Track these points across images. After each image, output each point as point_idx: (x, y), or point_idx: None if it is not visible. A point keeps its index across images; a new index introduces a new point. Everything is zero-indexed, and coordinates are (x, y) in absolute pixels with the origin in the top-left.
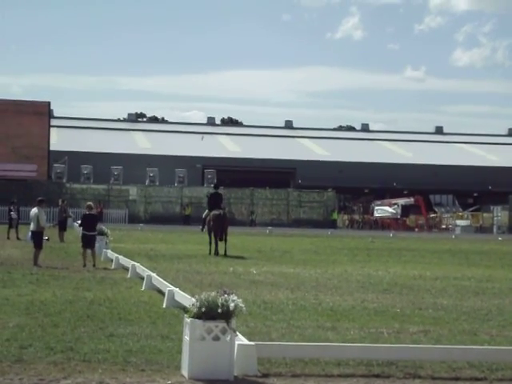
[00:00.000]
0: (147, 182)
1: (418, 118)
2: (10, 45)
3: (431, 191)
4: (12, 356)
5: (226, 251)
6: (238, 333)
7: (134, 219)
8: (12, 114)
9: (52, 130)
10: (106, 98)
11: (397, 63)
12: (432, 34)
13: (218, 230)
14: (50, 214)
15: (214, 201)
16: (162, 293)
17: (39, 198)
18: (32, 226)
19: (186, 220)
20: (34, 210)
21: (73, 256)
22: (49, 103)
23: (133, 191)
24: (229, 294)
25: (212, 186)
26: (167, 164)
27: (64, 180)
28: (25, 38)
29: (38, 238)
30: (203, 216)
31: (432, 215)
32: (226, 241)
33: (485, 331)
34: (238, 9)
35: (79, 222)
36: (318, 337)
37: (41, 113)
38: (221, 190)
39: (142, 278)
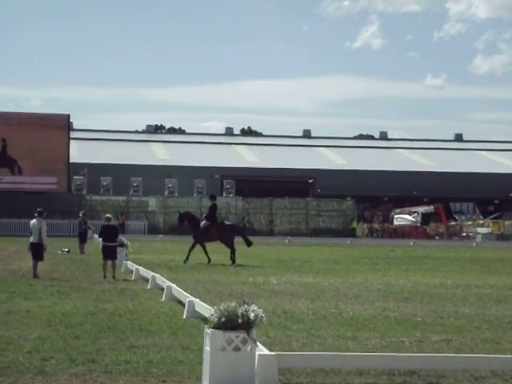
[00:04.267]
0: (166, 192)
1: (437, 126)
2: (30, 57)
3: (451, 199)
4: (34, 368)
5: (234, 260)
6: (258, 343)
7: (153, 230)
8: (32, 127)
9: (72, 142)
10: (124, 109)
11: (416, 71)
12: (452, 42)
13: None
14: (69, 225)
15: (213, 212)
16: (182, 303)
17: (39, 210)
18: (32, 238)
19: None
20: (35, 222)
21: (93, 267)
22: (68, 116)
23: (152, 202)
24: (249, 305)
25: (208, 197)
26: (186, 175)
27: (84, 192)
28: (45, 51)
29: (37, 249)
30: (202, 226)
31: (452, 223)
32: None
33: (508, 340)
34: (256, 19)
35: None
36: (338, 346)
37: (61, 126)
38: (216, 201)
39: (162, 289)
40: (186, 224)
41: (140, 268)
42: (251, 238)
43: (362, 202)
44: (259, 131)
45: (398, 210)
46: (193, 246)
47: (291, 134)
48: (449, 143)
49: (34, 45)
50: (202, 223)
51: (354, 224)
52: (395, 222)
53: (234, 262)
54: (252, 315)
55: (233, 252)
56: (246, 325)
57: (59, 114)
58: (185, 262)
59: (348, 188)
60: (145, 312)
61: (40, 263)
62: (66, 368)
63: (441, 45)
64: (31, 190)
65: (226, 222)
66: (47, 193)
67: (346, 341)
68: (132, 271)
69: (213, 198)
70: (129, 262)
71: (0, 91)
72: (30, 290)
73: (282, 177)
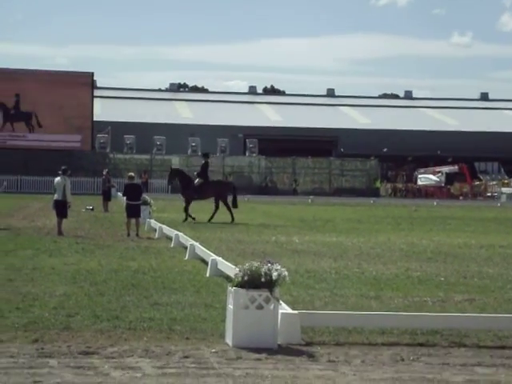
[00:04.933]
0: (189, 151)
1: (462, 85)
2: (53, 16)
3: (476, 159)
4: (60, 324)
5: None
6: (281, 302)
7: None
8: (56, 85)
9: (95, 100)
10: (148, 68)
11: (443, 29)
12: None
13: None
14: (93, 184)
15: (205, 170)
16: (205, 262)
17: (63, 167)
18: (56, 195)
19: None
20: (59, 180)
21: (117, 226)
22: (92, 74)
23: (175, 161)
24: (272, 264)
25: (201, 155)
26: (209, 134)
27: (107, 150)
28: (67, 9)
29: (61, 207)
30: (196, 184)
31: (477, 183)
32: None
33: None
34: None
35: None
36: (361, 305)
37: (85, 83)
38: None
39: (186, 248)
40: (176, 181)
41: (163, 226)
42: (274, 198)
43: (385, 162)
44: (282, 90)
45: (421, 170)
46: (187, 204)
47: (315, 93)
48: (474, 102)
49: (59, 3)
50: (196, 181)
51: (378, 183)
52: (419, 182)
53: (233, 219)
54: (275, 274)
55: (229, 209)
56: (269, 283)
57: (83, 72)
58: (184, 221)
59: (372, 147)
60: (168, 270)
61: (64, 221)
62: (91, 324)
63: (468, 2)
64: (56, 147)
65: (219, 180)
66: (71, 150)
67: (369, 300)
68: (155, 229)
69: (205, 155)
70: (152, 221)
71: (26, 49)
72: (54, 247)
73: (306, 136)
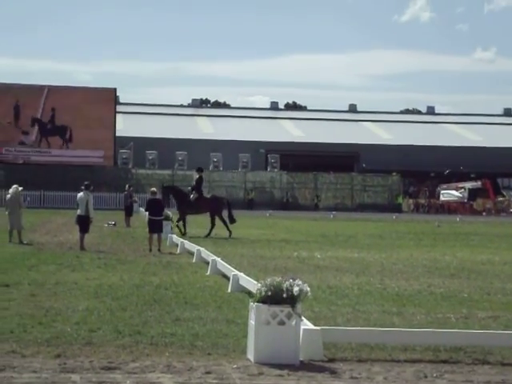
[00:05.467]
0: (211, 167)
1: (485, 100)
2: (78, 32)
3: (499, 174)
4: (82, 339)
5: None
6: (303, 317)
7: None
8: (80, 101)
9: (118, 116)
10: (170, 83)
11: (466, 44)
12: (503, 14)
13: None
14: (115, 199)
15: (199, 185)
16: (226, 277)
17: (86, 183)
18: (79, 211)
19: (249, 204)
20: (81, 195)
21: (139, 241)
22: (115, 89)
23: (197, 176)
24: (294, 279)
25: (195, 169)
26: (231, 149)
27: (130, 166)
28: (92, 26)
29: (84, 222)
30: (192, 199)
31: (500, 199)
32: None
33: None
34: None
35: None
36: (383, 322)
37: (108, 99)
38: (203, 174)
39: (207, 263)
40: (170, 198)
41: (185, 241)
42: (295, 213)
43: (407, 177)
44: (304, 105)
45: (444, 186)
46: (183, 220)
47: (337, 109)
48: (497, 118)
49: (80, 20)
50: (192, 195)
51: (400, 199)
52: (441, 198)
53: (230, 233)
54: (297, 290)
55: (224, 224)
56: (291, 299)
57: (106, 88)
58: (184, 235)
59: (394, 163)
60: (190, 285)
61: (86, 236)
62: (113, 339)
63: (491, 17)
64: (79, 163)
65: (213, 195)
66: (94, 166)
67: (391, 316)
68: (177, 245)
69: (200, 170)
70: (174, 236)
71: (51, 65)
72: (77, 262)
73: (327, 151)
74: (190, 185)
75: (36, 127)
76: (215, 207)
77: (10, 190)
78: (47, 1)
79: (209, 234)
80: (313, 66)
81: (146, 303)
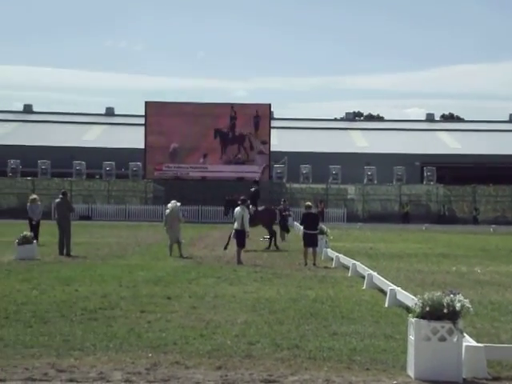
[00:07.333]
0: (365, 180)
1: None
2: (231, 53)
3: None
4: (242, 351)
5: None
6: (465, 334)
7: (352, 218)
8: (236, 117)
9: (272, 131)
10: (323, 98)
11: None
12: None
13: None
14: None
15: (255, 198)
16: (383, 292)
17: (242, 197)
18: (236, 225)
19: (404, 218)
20: (238, 209)
21: (294, 255)
22: (269, 105)
23: (351, 190)
24: (454, 294)
25: (252, 182)
26: (385, 162)
27: (284, 180)
28: (244, 42)
29: (240, 236)
30: (251, 212)
31: None
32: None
33: None
34: (451, 5)
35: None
36: None
37: (263, 115)
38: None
39: (363, 277)
40: (231, 211)
41: (340, 255)
42: (453, 227)
43: None
44: (461, 116)
45: None
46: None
47: (495, 119)
48: None
49: (239, 42)
50: (250, 209)
51: None
52: None
53: (269, 246)
54: (458, 305)
55: (271, 236)
56: (452, 315)
57: (261, 104)
58: (225, 249)
59: None
60: (346, 299)
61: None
62: (272, 352)
63: None
64: (234, 177)
65: (265, 207)
66: (250, 180)
67: None
68: (332, 258)
69: (256, 183)
70: (329, 250)
71: (210, 84)
72: (234, 275)
73: (486, 163)
74: (344, 199)
75: (218, 138)
76: (268, 219)
77: (169, 205)
78: (202, 26)
79: (275, 243)
80: (469, 76)
81: (303, 317)
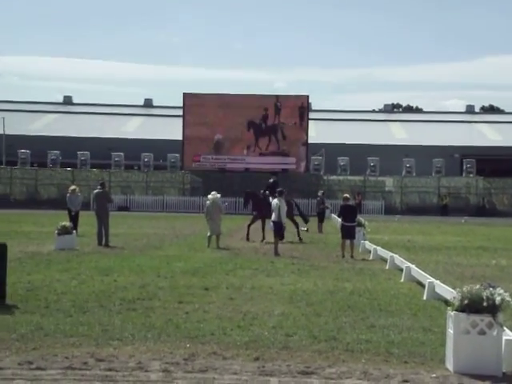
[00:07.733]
0: (403, 172)
1: None
2: (270, 45)
3: None
4: (279, 343)
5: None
6: (505, 327)
7: (390, 210)
8: (275, 108)
9: (310, 122)
10: (362, 89)
11: None
12: None
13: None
14: (307, 205)
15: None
16: (421, 285)
17: (279, 189)
18: (273, 216)
19: (443, 210)
20: (276, 201)
21: (331, 247)
22: (307, 96)
23: (389, 182)
24: (494, 287)
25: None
26: (424, 154)
27: (321, 172)
28: (284, 36)
29: (277, 228)
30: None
31: None
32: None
33: None
34: None
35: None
36: None
37: (301, 106)
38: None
39: (401, 270)
40: (250, 203)
41: (378, 248)
42: (493, 220)
43: None
44: (502, 108)
45: None
46: (263, 225)
47: None
48: None
49: (277, 31)
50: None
51: None
52: None
53: (300, 238)
54: (498, 299)
55: (297, 227)
56: (492, 308)
57: (299, 95)
58: (262, 241)
59: None
60: (384, 292)
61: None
62: (309, 344)
63: None
64: (271, 169)
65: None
66: (287, 172)
67: None
68: (370, 251)
69: (274, 174)
70: (366, 242)
71: (249, 76)
72: (271, 267)
73: None
74: (382, 191)
75: (251, 130)
76: (287, 210)
77: (209, 196)
78: (240, 17)
79: (298, 235)
80: (510, 68)
81: (340, 309)
